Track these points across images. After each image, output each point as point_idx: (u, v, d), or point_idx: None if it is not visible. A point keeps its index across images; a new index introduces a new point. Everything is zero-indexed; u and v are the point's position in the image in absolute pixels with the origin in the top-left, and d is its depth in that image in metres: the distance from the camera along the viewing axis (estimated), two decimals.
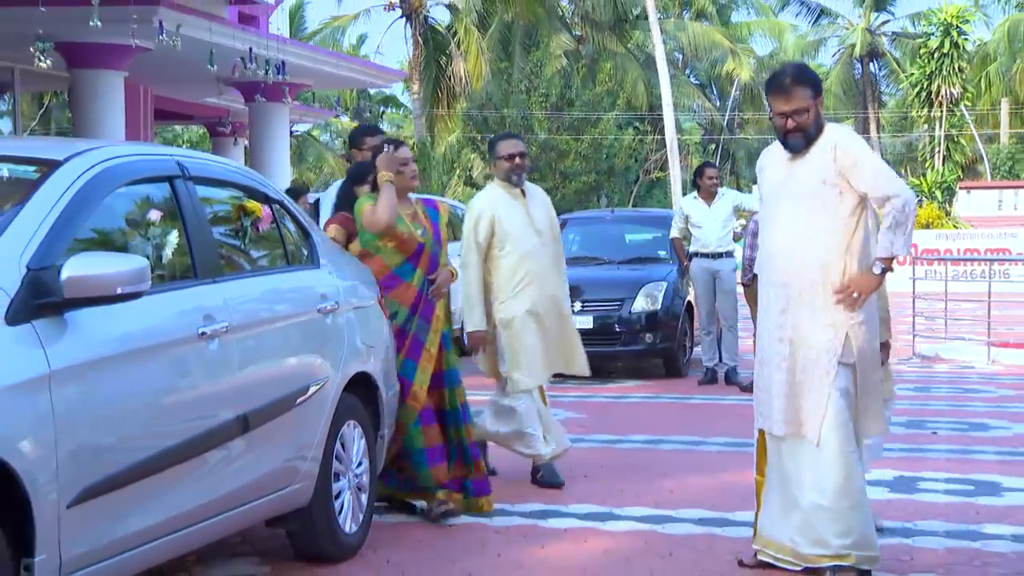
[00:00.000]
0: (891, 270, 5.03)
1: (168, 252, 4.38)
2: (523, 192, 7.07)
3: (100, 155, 4.30)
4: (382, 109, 52.02)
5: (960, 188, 35.59)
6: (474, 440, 6.51)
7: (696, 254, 11.33)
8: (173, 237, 4.41)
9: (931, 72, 41.68)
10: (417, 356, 6.18)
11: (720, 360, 11.50)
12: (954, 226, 30.74)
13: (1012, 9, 45.90)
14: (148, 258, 4.24)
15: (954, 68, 41.40)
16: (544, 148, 33.19)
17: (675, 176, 35.34)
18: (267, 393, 4.82)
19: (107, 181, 4.22)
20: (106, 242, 4.22)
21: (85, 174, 4.14)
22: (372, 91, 46.56)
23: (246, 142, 20.60)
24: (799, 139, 5.05)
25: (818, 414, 4.96)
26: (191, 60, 14.73)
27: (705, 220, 11.23)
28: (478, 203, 7.04)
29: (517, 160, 7.03)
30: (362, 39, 49.62)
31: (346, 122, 49.90)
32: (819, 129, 5.06)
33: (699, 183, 11.46)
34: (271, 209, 5.31)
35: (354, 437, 5.56)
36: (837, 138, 5.03)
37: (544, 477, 6.99)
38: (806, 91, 5.03)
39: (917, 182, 39.00)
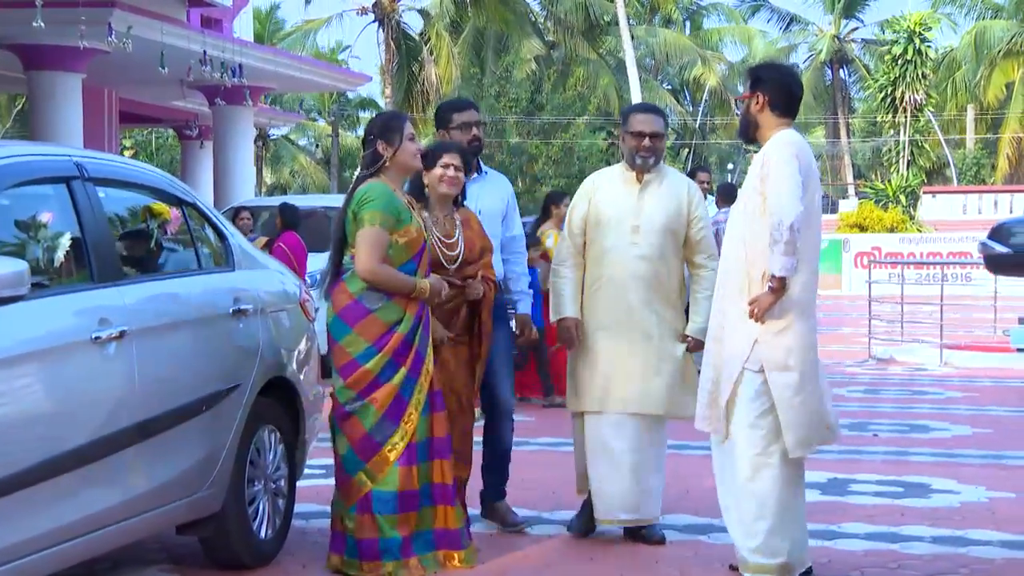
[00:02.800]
0: (782, 288, 4.81)
1: (60, 254, 4.29)
2: (639, 179, 5.78)
3: None
4: (349, 112, 51.75)
5: (924, 192, 35.78)
6: (453, 480, 5.36)
7: None
8: (66, 239, 4.33)
9: (895, 78, 42.10)
10: (417, 373, 5.23)
11: None
12: (918, 230, 30.92)
13: (973, 20, 46.12)
14: (38, 260, 4.17)
15: (917, 74, 41.88)
16: (514, 152, 33.13)
17: None
18: (171, 398, 4.73)
19: None
20: None
21: None
22: (351, 95, 46.46)
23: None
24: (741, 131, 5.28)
25: (727, 414, 5.00)
26: (152, 63, 14.65)
27: None
28: (583, 184, 5.95)
29: (646, 142, 5.71)
30: (341, 45, 49.52)
31: (322, 125, 49.73)
32: (752, 127, 5.09)
33: None
34: (182, 211, 5.23)
35: (271, 442, 5.47)
36: (767, 148, 5.00)
37: (572, 524, 5.98)
38: (748, 84, 5.16)
39: (883, 186, 39.18)
